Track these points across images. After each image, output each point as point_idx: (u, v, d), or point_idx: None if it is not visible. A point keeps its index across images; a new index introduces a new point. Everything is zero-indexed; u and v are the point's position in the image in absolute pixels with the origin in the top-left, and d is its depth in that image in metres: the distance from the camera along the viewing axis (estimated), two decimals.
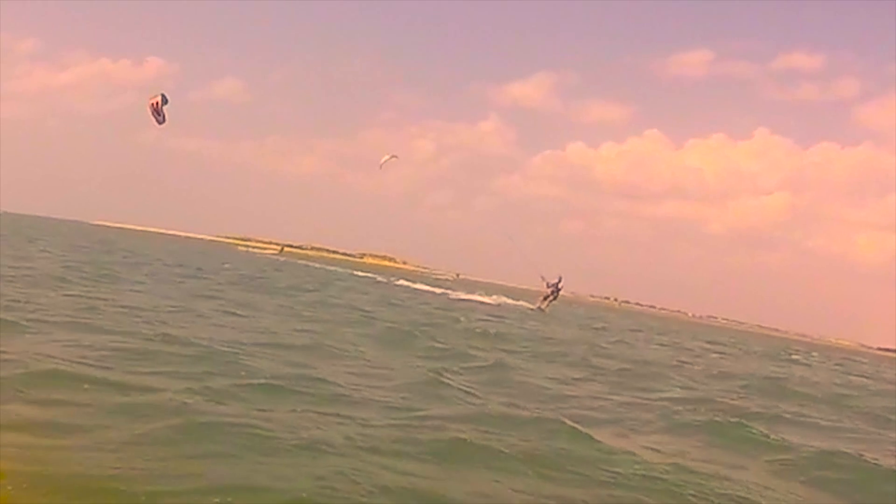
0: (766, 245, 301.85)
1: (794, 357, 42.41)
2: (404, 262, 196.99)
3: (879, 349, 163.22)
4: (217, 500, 5.28)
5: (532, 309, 43.07)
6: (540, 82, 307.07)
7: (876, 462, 9.54)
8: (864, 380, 30.88)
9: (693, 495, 6.87)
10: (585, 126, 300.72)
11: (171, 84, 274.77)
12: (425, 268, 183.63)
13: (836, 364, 43.52)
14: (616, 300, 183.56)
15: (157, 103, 20.65)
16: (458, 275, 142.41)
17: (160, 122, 20.59)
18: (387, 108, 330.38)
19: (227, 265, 45.12)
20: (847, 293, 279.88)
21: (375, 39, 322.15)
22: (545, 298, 42.84)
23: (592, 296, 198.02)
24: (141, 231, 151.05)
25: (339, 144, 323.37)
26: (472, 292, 57.82)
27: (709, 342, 42.94)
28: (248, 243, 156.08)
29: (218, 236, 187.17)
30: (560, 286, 42.04)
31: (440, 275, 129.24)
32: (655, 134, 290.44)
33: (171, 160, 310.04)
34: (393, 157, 37.32)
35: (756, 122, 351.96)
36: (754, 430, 10.47)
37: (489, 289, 73.71)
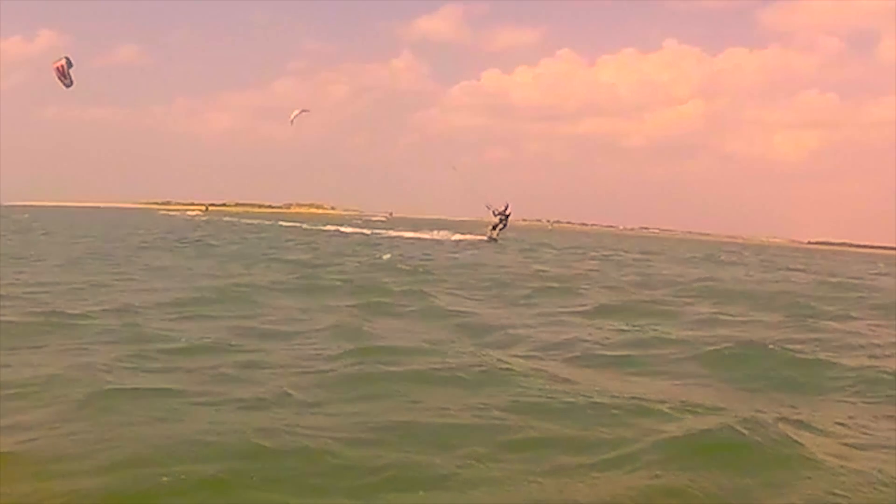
0: (687, 153, 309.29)
1: (721, 258, 42.87)
2: (332, 208, 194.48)
3: (810, 243, 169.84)
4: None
5: (485, 240, 42.17)
6: (448, 14, 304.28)
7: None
8: (786, 272, 31.38)
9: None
10: (498, 53, 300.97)
11: (64, 55, 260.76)
12: (356, 210, 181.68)
13: (764, 260, 44.51)
14: (548, 221, 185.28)
15: (62, 66, 20.34)
16: (391, 213, 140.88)
17: (67, 85, 20.88)
18: (296, 56, 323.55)
19: (140, 231, 42.53)
20: (771, 192, 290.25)
21: None
22: (494, 227, 42.19)
23: (524, 220, 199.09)
24: (58, 207, 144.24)
25: (252, 97, 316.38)
26: (418, 230, 55.87)
27: (641, 252, 43.38)
28: (169, 207, 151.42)
29: (138, 203, 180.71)
30: (508, 212, 41.50)
31: (371, 216, 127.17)
32: (567, 53, 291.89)
33: (77, 132, 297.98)
34: (303, 111, 36.22)
35: (663, 33, 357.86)
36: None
37: (431, 225, 72.12)
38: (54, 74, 19.85)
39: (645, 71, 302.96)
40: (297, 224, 67.34)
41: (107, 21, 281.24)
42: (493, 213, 41.44)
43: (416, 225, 68.72)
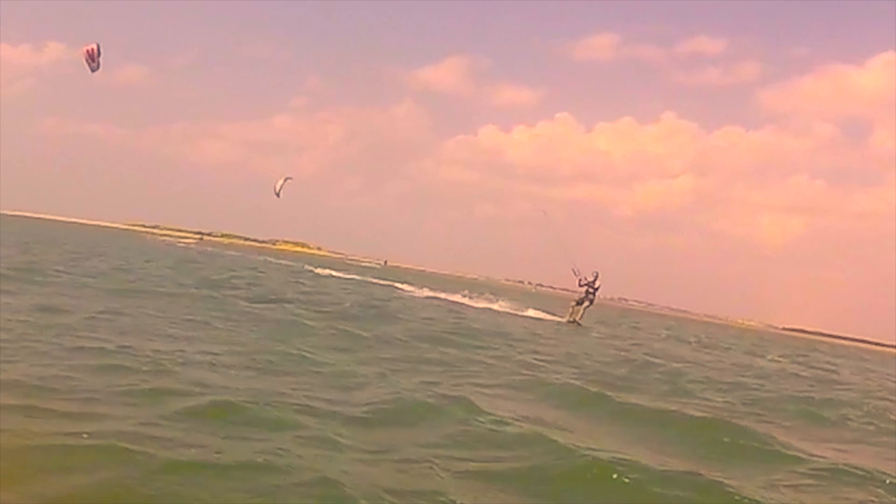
0: (673, 228, 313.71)
1: (690, 340, 37.48)
2: (318, 248, 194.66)
3: (785, 329, 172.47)
4: None
5: (563, 322, 30.96)
6: (452, 66, 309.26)
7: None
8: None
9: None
10: (497, 109, 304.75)
11: (73, 69, 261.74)
12: (341, 254, 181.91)
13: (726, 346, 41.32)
14: (531, 284, 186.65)
15: (92, 50, 21.13)
16: (385, 262, 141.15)
17: (94, 69, 21.47)
18: (298, 93, 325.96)
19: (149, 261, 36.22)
20: (752, 274, 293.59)
21: (284, 23, 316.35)
22: (579, 303, 30.91)
23: (507, 279, 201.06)
24: (43, 220, 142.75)
25: (250, 130, 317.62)
26: (453, 292, 42.77)
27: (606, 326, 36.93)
28: (156, 231, 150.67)
29: (124, 223, 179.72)
30: (597, 285, 30.35)
31: (361, 261, 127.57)
32: (566, 117, 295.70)
33: (73, 146, 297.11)
34: (287, 178, 36.67)
35: (663, 105, 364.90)
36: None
37: (422, 279, 71.01)
38: (82, 58, 20.46)
39: (641, 142, 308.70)
40: (288, 263, 65.57)
41: (115, 39, 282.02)
42: (580, 282, 30.10)
43: (422, 280, 64.69)
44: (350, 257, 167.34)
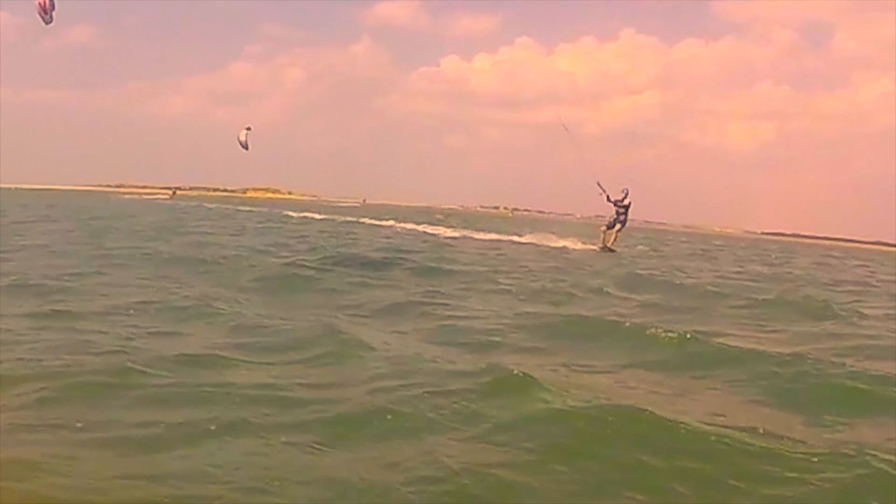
0: (643, 142, 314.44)
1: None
2: (290, 193, 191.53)
3: (763, 233, 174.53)
4: None
5: (596, 249, 27.40)
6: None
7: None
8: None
9: None
10: (457, 39, 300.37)
11: (16, 37, 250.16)
12: (314, 196, 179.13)
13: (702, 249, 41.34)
14: (507, 209, 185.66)
15: (44, 2, 20.14)
16: (364, 200, 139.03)
17: (47, 22, 20.51)
18: (254, 39, 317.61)
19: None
20: (726, 182, 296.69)
21: None
22: (610, 226, 27.25)
23: (482, 206, 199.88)
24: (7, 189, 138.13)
25: (208, 81, 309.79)
26: (478, 231, 38.04)
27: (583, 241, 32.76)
28: (123, 190, 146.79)
29: (90, 185, 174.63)
30: (627, 202, 26.55)
31: (336, 202, 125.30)
32: (526, 41, 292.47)
33: (30, 114, 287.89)
34: (248, 129, 35.45)
35: (621, 22, 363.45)
36: None
37: (403, 213, 68.58)
38: (36, 10, 20.21)
39: (603, 60, 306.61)
40: (259, 209, 61.06)
41: (63, 2, 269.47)
42: (607, 198, 26.37)
43: (409, 215, 62.61)
44: (324, 199, 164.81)
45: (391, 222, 44.48)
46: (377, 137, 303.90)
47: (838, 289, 20.09)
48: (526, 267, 18.71)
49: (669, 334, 8.43)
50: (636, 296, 13.51)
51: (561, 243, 29.16)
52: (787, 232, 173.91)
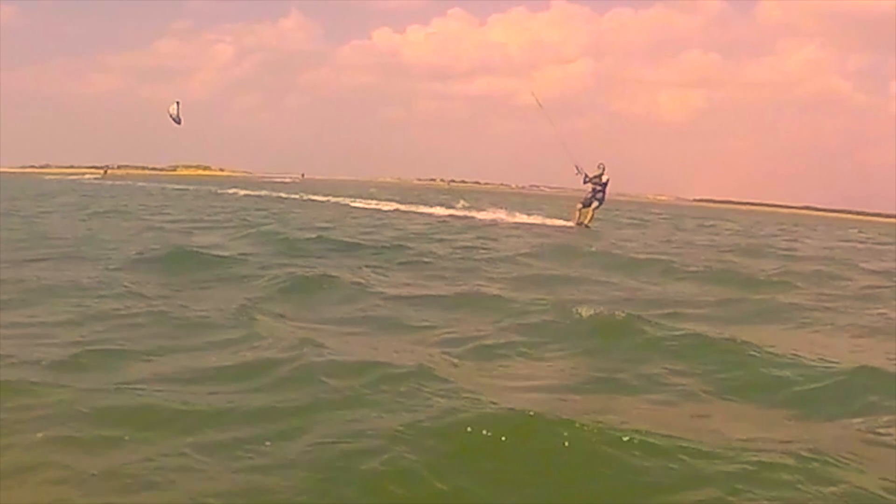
0: (575, 111, 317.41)
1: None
2: (221, 170, 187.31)
3: (695, 200, 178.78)
4: None
5: (571, 226, 26.98)
6: None
7: None
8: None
9: None
10: (388, 11, 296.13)
11: None
12: (246, 172, 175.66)
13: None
14: (444, 181, 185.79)
15: None
16: (303, 175, 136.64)
17: None
18: (180, 16, 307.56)
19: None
20: (658, 151, 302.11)
21: None
22: (587, 204, 26.59)
23: (419, 179, 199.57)
24: None
25: (133, 58, 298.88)
26: (432, 206, 34.84)
27: (524, 209, 33.19)
28: (49, 171, 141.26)
29: (13, 168, 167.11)
30: (605, 180, 25.94)
31: (273, 178, 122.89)
32: (458, 12, 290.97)
33: None
34: (177, 102, 35.19)
35: None
36: None
37: (337, 187, 66.22)
38: None
39: (535, 30, 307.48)
40: (187, 187, 54.26)
41: None
42: (584, 178, 25.85)
43: (342, 189, 59.13)
44: (257, 175, 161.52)
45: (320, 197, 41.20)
46: (311, 112, 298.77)
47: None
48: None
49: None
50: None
51: (530, 220, 28.76)
52: (718, 199, 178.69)
